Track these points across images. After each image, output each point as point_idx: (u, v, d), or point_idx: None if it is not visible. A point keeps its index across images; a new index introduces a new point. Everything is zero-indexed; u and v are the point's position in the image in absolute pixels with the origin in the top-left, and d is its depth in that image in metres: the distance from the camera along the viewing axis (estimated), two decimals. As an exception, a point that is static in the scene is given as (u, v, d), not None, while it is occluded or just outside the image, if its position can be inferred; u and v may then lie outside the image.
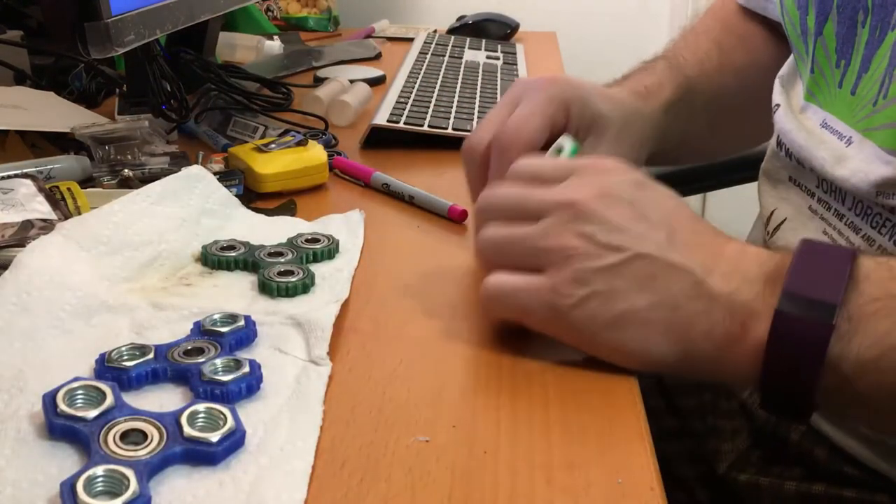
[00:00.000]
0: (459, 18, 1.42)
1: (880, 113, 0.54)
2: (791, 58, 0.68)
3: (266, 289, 0.53)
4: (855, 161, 0.56)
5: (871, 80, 0.55)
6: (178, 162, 0.74)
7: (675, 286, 0.44)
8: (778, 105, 0.66)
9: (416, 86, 0.99)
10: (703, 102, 0.74)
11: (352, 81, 1.01)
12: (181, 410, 0.40)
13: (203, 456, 0.38)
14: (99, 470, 0.36)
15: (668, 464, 0.73)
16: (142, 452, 0.37)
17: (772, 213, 0.67)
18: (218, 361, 0.44)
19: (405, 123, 0.85)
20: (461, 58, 1.18)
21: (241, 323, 0.48)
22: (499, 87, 1.05)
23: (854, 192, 0.57)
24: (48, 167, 0.69)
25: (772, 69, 0.71)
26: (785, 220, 0.65)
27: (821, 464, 0.62)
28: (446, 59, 1.17)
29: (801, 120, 0.63)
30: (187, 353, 0.45)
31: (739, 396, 0.70)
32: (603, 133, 0.62)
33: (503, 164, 0.55)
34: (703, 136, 0.77)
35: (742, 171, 1.05)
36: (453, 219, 0.66)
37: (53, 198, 0.61)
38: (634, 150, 0.65)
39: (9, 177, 0.64)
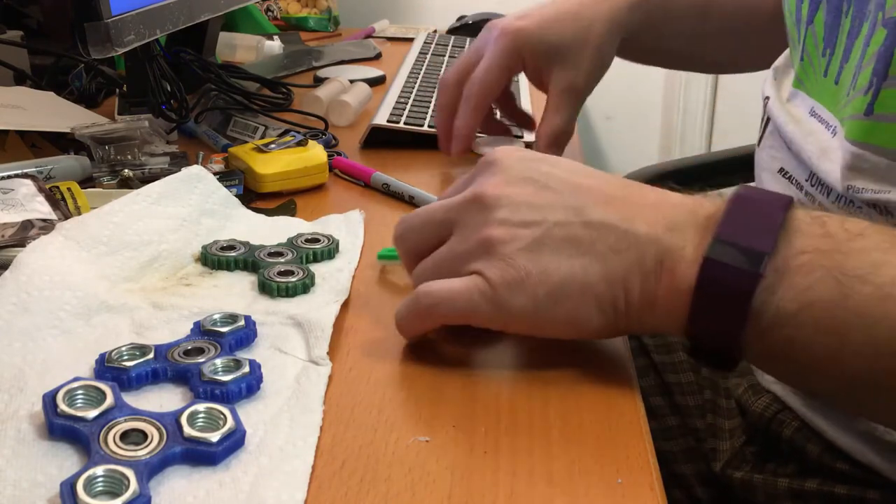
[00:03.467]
0: (459, 18, 1.42)
1: (850, 104, 0.54)
2: (787, 50, 0.68)
3: (266, 289, 0.53)
4: (838, 153, 0.56)
5: (850, 70, 0.56)
6: (178, 162, 0.74)
7: (600, 243, 0.44)
8: (768, 97, 0.66)
9: (416, 86, 0.99)
10: (684, 6, 0.81)
11: (352, 81, 1.01)
12: (181, 410, 0.40)
13: (203, 456, 0.38)
14: (99, 470, 0.36)
15: (668, 462, 0.73)
16: (142, 452, 0.37)
17: None
18: (218, 361, 0.44)
19: (405, 123, 0.85)
20: (461, 58, 1.18)
21: (241, 323, 0.48)
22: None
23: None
24: (48, 167, 0.69)
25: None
26: None
27: (813, 459, 0.62)
28: (446, 59, 1.17)
29: (788, 109, 0.63)
30: (187, 353, 0.45)
31: (735, 394, 0.70)
32: (563, 59, 0.74)
33: (467, 109, 0.75)
34: (688, 39, 0.84)
35: (739, 171, 1.06)
36: (453, 219, 0.66)
37: (53, 198, 0.61)
38: (601, 53, 0.76)
39: (9, 177, 0.64)
